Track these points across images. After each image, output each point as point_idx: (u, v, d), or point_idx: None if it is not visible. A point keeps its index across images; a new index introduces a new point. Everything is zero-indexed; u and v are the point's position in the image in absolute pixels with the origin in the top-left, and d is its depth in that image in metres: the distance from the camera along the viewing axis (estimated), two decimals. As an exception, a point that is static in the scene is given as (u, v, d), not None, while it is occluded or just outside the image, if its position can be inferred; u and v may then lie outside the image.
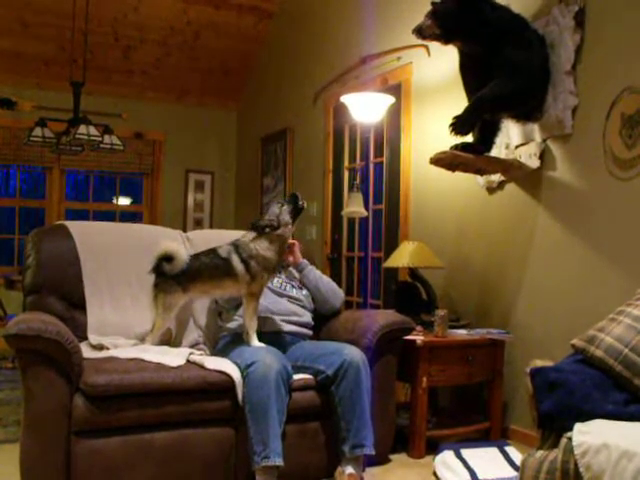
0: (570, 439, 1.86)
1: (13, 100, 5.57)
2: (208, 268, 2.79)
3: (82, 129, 4.81)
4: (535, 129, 3.27)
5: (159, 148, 6.93)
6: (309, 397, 2.71)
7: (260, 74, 6.66)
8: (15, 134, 6.16)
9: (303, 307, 3.10)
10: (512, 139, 3.40)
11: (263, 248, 2.79)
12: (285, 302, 3.05)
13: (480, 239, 3.69)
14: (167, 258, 2.76)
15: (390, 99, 3.76)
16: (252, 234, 2.84)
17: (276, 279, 3.09)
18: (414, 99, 4.20)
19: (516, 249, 3.44)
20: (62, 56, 5.77)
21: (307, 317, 3.10)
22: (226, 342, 2.95)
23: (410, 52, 4.19)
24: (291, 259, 3.14)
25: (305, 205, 2.91)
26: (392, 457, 3.00)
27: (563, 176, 3.17)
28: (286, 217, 2.84)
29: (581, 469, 1.79)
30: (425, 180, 4.07)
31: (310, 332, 3.09)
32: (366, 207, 3.89)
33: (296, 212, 2.87)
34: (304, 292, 3.14)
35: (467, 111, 3.10)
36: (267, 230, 2.80)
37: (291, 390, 2.63)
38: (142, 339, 2.88)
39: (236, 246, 2.82)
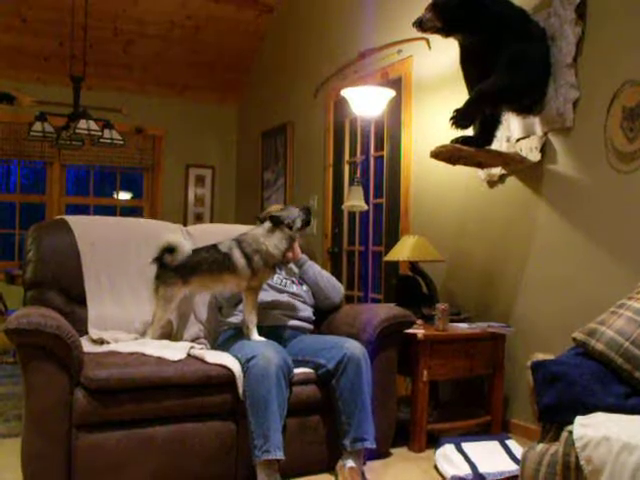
0: (571, 432, 1.86)
1: (12, 95, 5.55)
2: (207, 262, 2.81)
3: (82, 124, 4.81)
4: (536, 122, 3.26)
5: (159, 143, 6.92)
6: (310, 391, 2.71)
7: (260, 68, 6.65)
8: (15, 129, 6.15)
9: (304, 302, 3.09)
10: (513, 132, 3.40)
11: (272, 245, 2.81)
12: (286, 298, 3.04)
13: (481, 232, 3.68)
14: (169, 249, 2.78)
15: (390, 93, 3.75)
16: (264, 227, 2.85)
17: (276, 276, 3.08)
18: (415, 93, 4.19)
19: (517, 242, 3.43)
20: (62, 51, 5.75)
21: (308, 312, 3.09)
22: (227, 336, 2.96)
23: (411, 45, 4.17)
24: (290, 255, 3.12)
25: (311, 222, 3.00)
26: (393, 451, 3.00)
27: (564, 169, 3.16)
28: (299, 223, 2.88)
29: (582, 462, 1.79)
30: (426, 174, 4.07)
31: (311, 326, 3.09)
32: (366, 201, 3.89)
33: (305, 224, 2.91)
34: (304, 288, 3.14)
35: (468, 104, 3.09)
36: (284, 226, 2.83)
37: (292, 384, 2.63)
38: (142, 333, 2.89)
39: (239, 241, 2.83)
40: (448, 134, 3.31)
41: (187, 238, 3.16)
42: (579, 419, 1.88)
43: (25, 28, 5.74)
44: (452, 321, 3.30)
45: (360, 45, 4.70)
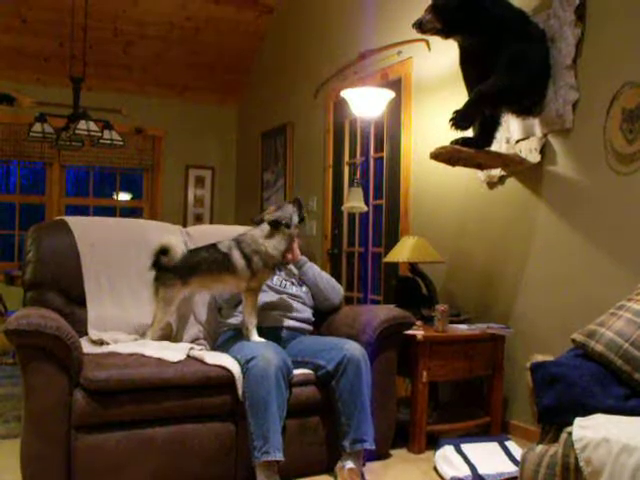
0: (570, 433, 1.86)
1: (12, 96, 5.56)
2: (207, 262, 2.81)
3: (82, 124, 4.81)
4: (536, 124, 3.26)
5: (159, 143, 6.92)
6: (309, 392, 2.71)
7: (260, 69, 6.65)
8: (15, 130, 6.16)
9: (303, 304, 3.09)
10: (512, 134, 3.40)
11: (271, 246, 2.81)
12: (285, 299, 3.04)
13: (480, 234, 3.68)
14: (163, 251, 2.79)
15: (390, 94, 3.75)
16: (262, 228, 2.84)
17: (275, 277, 3.08)
18: (414, 94, 4.19)
19: (517, 244, 3.43)
20: (62, 51, 5.75)
21: (307, 313, 3.09)
22: (226, 337, 2.96)
23: (410, 47, 4.18)
24: (290, 256, 3.12)
25: (305, 215, 3.01)
26: (392, 452, 3.00)
27: (564, 171, 3.16)
28: (296, 219, 2.88)
29: (581, 463, 1.79)
30: (425, 175, 4.07)
31: (310, 327, 3.09)
32: (366, 202, 3.89)
33: (300, 218, 2.92)
34: (304, 289, 3.14)
35: (467, 106, 3.10)
36: (283, 227, 2.82)
37: (291, 385, 2.63)
38: (142, 334, 2.89)
39: (239, 241, 2.83)
40: (448, 135, 3.31)
41: (187, 239, 3.18)
42: (578, 420, 1.88)
43: (25, 28, 5.74)
44: (452, 322, 3.30)
45: (360, 46, 4.70)
